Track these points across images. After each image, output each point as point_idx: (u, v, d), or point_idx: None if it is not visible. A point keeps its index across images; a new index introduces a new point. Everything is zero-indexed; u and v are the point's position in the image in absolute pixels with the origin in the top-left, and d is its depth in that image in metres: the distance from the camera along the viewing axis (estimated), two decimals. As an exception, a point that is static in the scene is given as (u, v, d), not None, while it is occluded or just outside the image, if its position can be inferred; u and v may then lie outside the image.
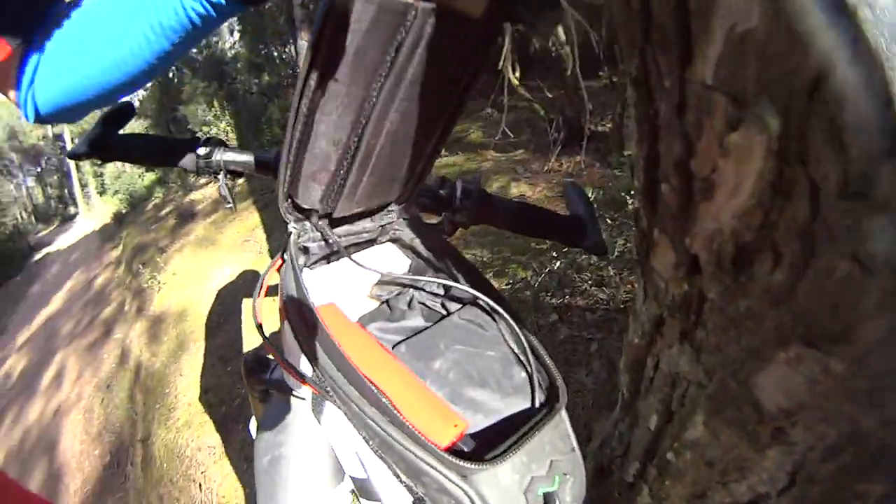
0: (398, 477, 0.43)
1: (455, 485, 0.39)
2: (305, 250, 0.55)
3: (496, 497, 0.39)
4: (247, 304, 3.06)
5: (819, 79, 0.22)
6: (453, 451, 0.39)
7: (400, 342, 0.51)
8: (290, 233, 0.53)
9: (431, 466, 0.39)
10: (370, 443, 0.43)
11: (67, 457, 2.98)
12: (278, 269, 0.67)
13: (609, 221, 1.93)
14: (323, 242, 0.55)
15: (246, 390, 1.02)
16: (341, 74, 0.42)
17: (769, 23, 0.23)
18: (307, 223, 0.54)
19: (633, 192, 1.70)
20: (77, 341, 4.66)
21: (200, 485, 1.98)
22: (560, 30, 2.90)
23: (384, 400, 0.40)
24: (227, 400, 2.35)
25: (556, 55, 3.07)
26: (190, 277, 4.11)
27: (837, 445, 0.33)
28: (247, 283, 3.39)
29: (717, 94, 0.27)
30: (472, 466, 0.38)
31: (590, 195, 1.92)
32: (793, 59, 0.22)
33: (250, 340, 2.66)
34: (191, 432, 2.31)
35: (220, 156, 0.78)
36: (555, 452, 0.45)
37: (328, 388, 0.45)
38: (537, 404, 0.46)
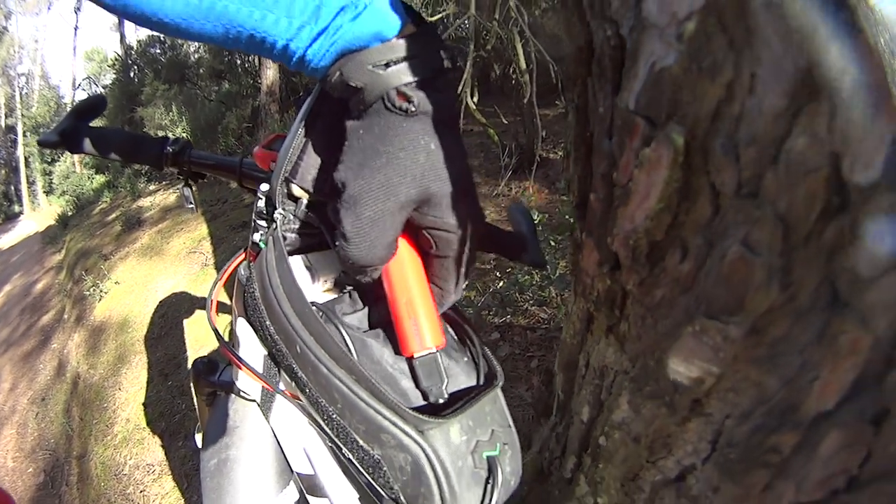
0: (356, 444, 0.46)
1: (412, 440, 0.43)
2: (283, 239, 0.57)
3: (447, 454, 0.44)
4: (190, 317, 2.98)
5: (721, 103, 0.29)
6: (413, 408, 0.44)
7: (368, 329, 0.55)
8: (276, 220, 0.54)
9: (392, 422, 0.43)
10: (332, 408, 0.46)
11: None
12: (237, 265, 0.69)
13: (552, 244, 2.01)
14: (298, 235, 0.58)
15: (193, 396, 1.02)
16: None
17: (683, 62, 0.30)
18: (292, 211, 0.55)
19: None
20: (13, 350, 4.37)
21: (139, 505, 1.90)
22: (521, 58, 3.02)
23: (353, 360, 0.44)
24: (167, 415, 2.28)
25: (516, 83, 3.17)
26: (133, 287, 3.95)
27: (749, 409, 0.39)
28: (190, 296, 3.30)
29: (637, 117, 0.35)
30: (428, 419, 0.43)
31: (536, 218, 1.98)
32: (700, 88, 0.30)
33: (192, 354, 2.59)
34: (129, 449, 2.22)
35: (188, 156, 0.81)
36: (494, 423, 0.50)
37: (296, 353, 0.48)
38: (480, 383, 0.52)
